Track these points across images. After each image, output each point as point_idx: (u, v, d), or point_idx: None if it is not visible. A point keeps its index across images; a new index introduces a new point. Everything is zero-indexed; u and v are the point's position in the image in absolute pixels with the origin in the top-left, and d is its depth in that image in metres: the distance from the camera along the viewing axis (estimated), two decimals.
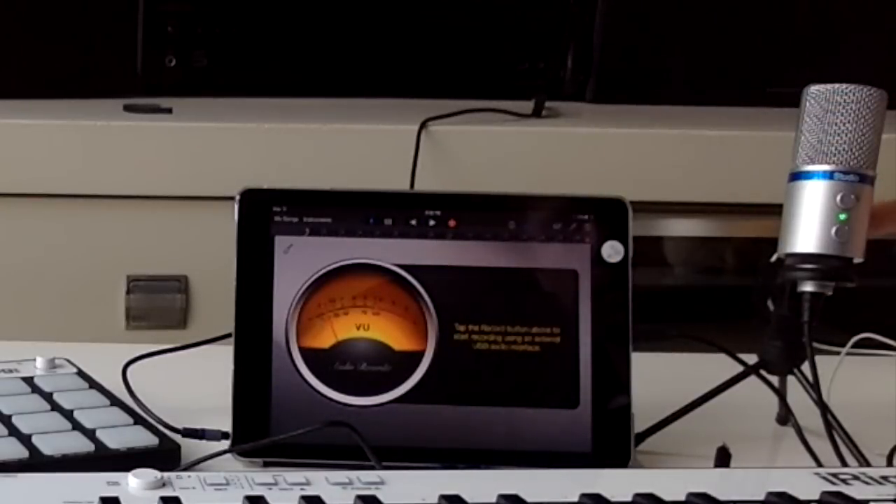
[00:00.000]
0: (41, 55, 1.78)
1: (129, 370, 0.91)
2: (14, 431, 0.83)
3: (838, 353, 0.97)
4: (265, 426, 0.85)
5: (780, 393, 0.93)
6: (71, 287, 1.63)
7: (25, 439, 0.82)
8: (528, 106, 1.72)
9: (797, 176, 0.89)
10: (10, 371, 0.94)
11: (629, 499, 0.68)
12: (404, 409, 0.85)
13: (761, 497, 0.68)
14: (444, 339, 0.86)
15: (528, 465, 0.83)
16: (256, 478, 0.68)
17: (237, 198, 0.87)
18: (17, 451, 0.80)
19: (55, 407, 0.87)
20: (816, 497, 0.68)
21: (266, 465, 0.84)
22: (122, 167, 1.62)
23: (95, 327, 1.62)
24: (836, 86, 0.88)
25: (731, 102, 1.85)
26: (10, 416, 0.85)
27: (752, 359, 0.93)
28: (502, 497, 0.66)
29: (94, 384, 0.92)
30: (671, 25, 1.89)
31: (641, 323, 0.86)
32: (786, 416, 0.93)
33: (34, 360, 0.95)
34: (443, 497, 0.66)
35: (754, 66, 1.87)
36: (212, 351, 0.93)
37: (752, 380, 0.92)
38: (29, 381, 0.92)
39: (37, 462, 0.79)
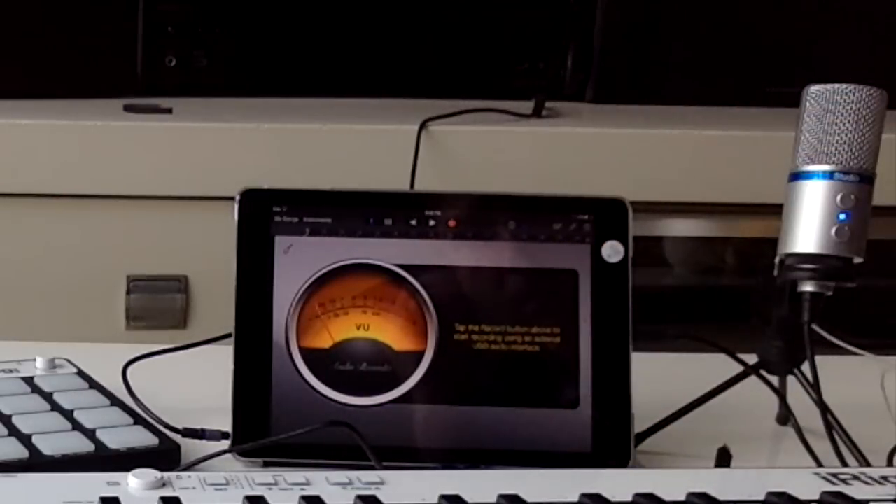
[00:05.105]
0: (41, 55, 1.78)
1: (129, 370, 0.91)
2: (14, 431, 0.83)
3: (838, 353, 0.97)
4: (265, 426, 0.85)
5: (780, 393, 0.93)
6: (71, 287, 1.63)
7: (25, 439, 0.82)
8: (528, 106, 1.72)
9: (797, 176, 0.89)
10: (10, 371, 0.94)
11: (629, 499, 0.68)
12: (404, 409, 0.85)
13: (761, 497, 0.68)
14: (444, 339, 0.86)
15: (528, 465, 0.83)
16: (256, 478, 0.68)
17: (237, 198, 0.87)
18: (17, 451, 0.80)
19: (55, 407, 0.87)
20: (816, 497, 0.68)
21: (266, 465, 0.84)
22: (122, 167, 1.62)
23: (95, 327, 1.62)
24: (836, 86, 0.88)
25: (731, 102, 1.85)
26: (10, 416, 0.85)
27: (752, 359, 0.93)
28: (502, 497, 0.66)
29: (94, 384, 0.92)
30: (671, 25, 1.89)
31: (641, 323, 0.86)
32: (786, 416, 0.93)
33: (34, 360, 0.95)
34: (443, 497, 0.66)
35: (754, 66, 1.87)
36: (212, 351, 0.93)
37: (752, 380, 0.92)
38: (29, 381, 0.92)
39: (37, 462, 0.79)
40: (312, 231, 0.87)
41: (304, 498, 0.65)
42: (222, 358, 0.87)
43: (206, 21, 1.84)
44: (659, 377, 0.92)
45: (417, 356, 0.86)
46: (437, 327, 0.86)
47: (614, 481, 0.71)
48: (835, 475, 0.71)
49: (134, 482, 0.66)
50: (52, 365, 0.95)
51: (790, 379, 0.92)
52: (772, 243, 0.91)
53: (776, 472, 0.72)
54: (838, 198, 0.87)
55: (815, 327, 0.88)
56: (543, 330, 0.86)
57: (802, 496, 0.68)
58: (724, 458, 0.84)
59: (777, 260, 0.90)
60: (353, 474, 0.69)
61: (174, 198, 1.63)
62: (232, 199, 0.87)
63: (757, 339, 0.93)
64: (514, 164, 1.64)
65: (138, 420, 0.86)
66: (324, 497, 0.65)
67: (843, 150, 0.87)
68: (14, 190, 1.62)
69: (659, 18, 1.89)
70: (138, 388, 0.90)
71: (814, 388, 0.88)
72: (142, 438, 0.83)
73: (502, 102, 1.72)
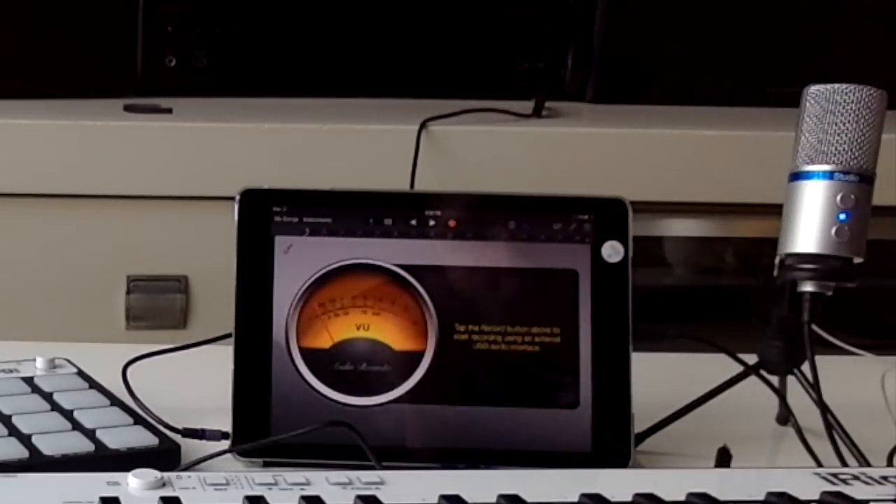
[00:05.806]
0: (41, 55, 1.78)
1: (129, 370, 0.91)
2: (14, 431, 0.83)
3: (838, 354, 0.97)
4: (265, 426, 0.85)
5: (780, 393, 0.93)
6: (71, 287, 1.63)
7: (25, 439, 0.82)
8: (528, 106, 1.72)
9: (797, 176, 0.89)
10: (10, 371, 0.94)
11: (629, 499, 0.68)
12: (404, 409, 0.85)
13: (761, 497, 0.68)
14: (444, 339, 0.86)
15: (528, 465, 0.83)
16: (256, 478, 0.68)
17: (237, 198, 0.87)
18: (17, 451, 0.80)
19: (55, 407, 0.87)
20: (816, 497, 0.68)
21: (266, 465, 0.84)
22: (122, 167, 1.62)
23: (95, 327, 1.62)
24: (836, 86, 0.88)
25: (730, 102, 1.85)
26: (10, 416, 0.85)
27: (752, 359, 0.93)
28: (502, 497, 0.66)
29: (94, 384, 0.92)
30: (671, 25, 1.89)
31: (641, 323, 0.86)
32: (786, 416, 0.93)
33: (34, 360, 0.95)
34: (443, 497, 0.66)
35: (754, 66, 1.87)
36: (212, 351, 0.93)
37: (752, 380, 0.92)
38: (29, 381, 0.92)
39: (37, 462, 0.79)
40: (312, 231, 0.87)
41: (304, 498, 0.65)
42: (222, 358, 0.87)
43: (206, 21, 1.84)
44: (659, 377, 0.92)
45: (417, 356, 0.86)
46: (437, 327, 0.86)
47: (614, 481, 0.71)
48: (835, 475, 0.71)
49: (134, 482, 0.66)
50: (52, 365, 0.95)
51: (790, 379, 0.92)
52: (772, 243, 0.91)
53: (776, 472, 0.72)
54: (838, 198, 0.88)
55: (815, 327, 0.88)
56: (543, 330, 0.86)
57: (802, 496, 0.68)
58: (724, 458, 0.84)
59: (777, 260, 0.90)
60: (353, 474, 0.69)
61: (174, 198, 1.63)
62: (232, 199, 0.87)
63: (757, 339, 0.93)
64: (514, 164, 1.64)
65: (138, 420, 0.86)
66: (324, 497, 0.65)
67: (843, 150, 0.88)
68: (14, 190, 1.62)
69: (659, 18, 1.89)
70: (138, 388, 0.90)
71: (814, 388, 0.88)
72: (142, 438, 0.83)
73: (502, 102, 1.72)
